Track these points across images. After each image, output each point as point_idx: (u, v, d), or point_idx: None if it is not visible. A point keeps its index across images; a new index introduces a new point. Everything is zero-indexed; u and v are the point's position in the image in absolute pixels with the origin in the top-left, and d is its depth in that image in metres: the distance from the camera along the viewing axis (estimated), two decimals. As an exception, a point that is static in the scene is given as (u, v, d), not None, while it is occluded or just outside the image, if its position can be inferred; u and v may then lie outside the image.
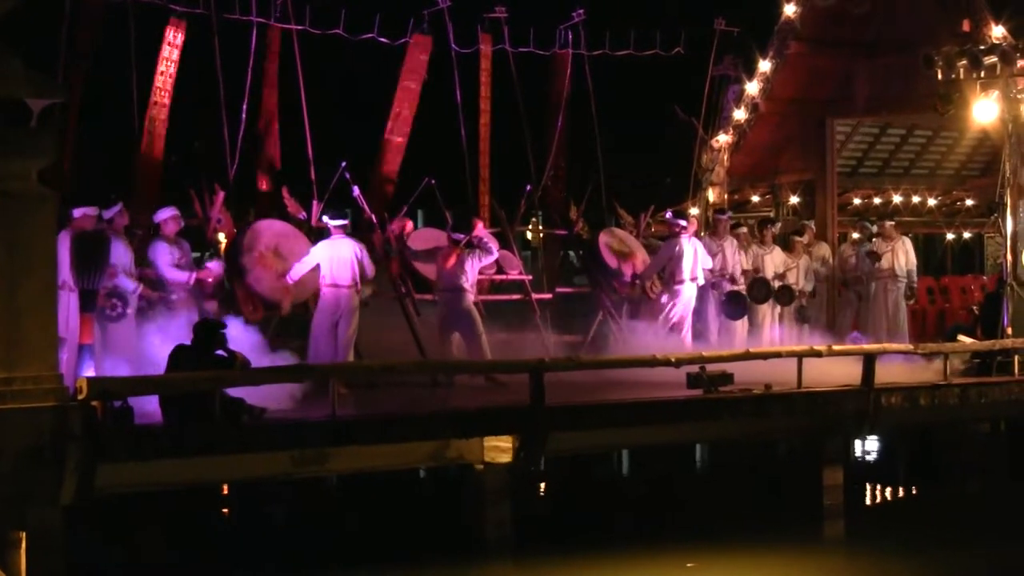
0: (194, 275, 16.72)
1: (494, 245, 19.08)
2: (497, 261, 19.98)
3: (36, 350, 12.23)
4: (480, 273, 18.99)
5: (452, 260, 18.16)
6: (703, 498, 18.56)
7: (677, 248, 19.95)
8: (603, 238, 21.12)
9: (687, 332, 19.97)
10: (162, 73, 18.12)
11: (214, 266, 17.08)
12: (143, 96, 17.93)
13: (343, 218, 17.59)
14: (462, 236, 18.28)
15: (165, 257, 16.64)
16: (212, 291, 16.99)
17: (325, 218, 17.62)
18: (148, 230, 17.17)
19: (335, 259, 17.12)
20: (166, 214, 16.98)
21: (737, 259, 21.26)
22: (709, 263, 20.43)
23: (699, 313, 20.46)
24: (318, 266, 17.19)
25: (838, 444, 17.21)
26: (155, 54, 18.13)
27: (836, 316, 22.86)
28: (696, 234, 20.96)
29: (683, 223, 20.35)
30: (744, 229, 22.15)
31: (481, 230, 18.81)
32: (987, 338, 18.92)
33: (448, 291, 18.16)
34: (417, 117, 20.48)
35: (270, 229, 17.88)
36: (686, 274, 19.90)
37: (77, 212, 15.63)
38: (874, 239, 22.36)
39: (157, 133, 18.03)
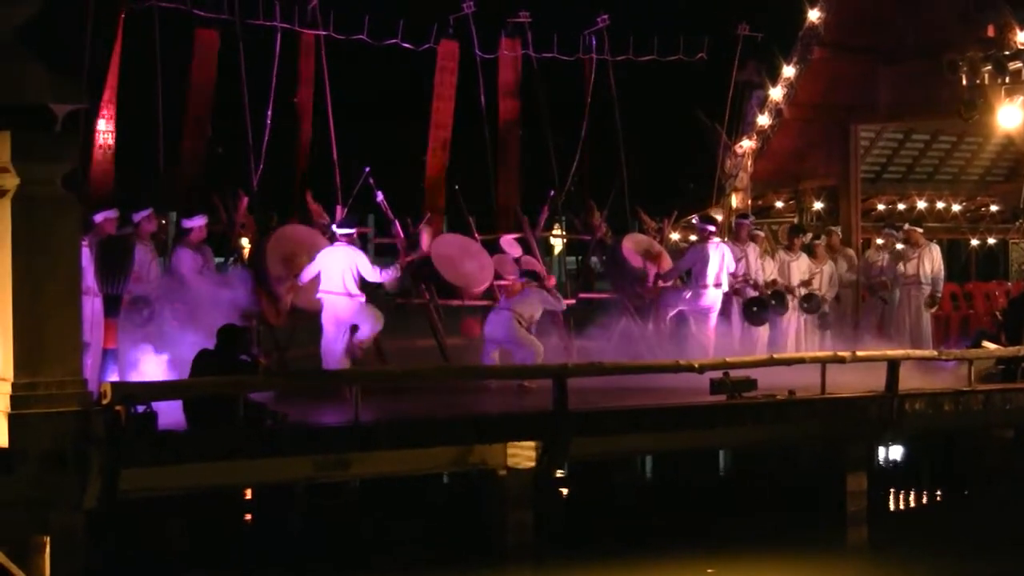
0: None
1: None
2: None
3: (60, 355, 12.27)
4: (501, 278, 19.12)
5: (518, 288, 18.25)
6: (726, 504, 18.51)
7: (704, 252, 19.93)
8: (626, 243, 21.10)
9: (712, 338, 19.92)
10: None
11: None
12: (168, 102, 18.02)
13: (349, 227, 17.59)
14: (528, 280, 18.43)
15: (188, 263, 16.65)
16: None
17: (333, 226, 17.72)
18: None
19: (327, 267, 17.16)
20: (197, 222, 17.01)
21: (759, 265, 21.22)
22: (733, 267, 20.38)
23: (722, 318, 20.41)
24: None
25: (861, 450, 17.16)
26: (178, 60, 18.20)
27: (860, 322, 22.79)
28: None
29: (711, 228, 20.35)
30: (761, 233, 22.09)
31: (552, 283, 18.91)
32: (1011, 344, 18.85)
33: (499, 309, 18.19)
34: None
35: (293, 234, 17.94)
36: (711, 279, 19.86)
37: (98, 217, 15.68)
38: (900, 245, 22.31)
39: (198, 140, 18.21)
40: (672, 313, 20.25)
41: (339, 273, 17.02)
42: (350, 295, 17.07)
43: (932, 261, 22.11)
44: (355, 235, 17.59)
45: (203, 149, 18.40)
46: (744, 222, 21.65)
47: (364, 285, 17.27)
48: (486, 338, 18.42)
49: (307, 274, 17.20)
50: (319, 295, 17.13)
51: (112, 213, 15.82)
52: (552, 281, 19.03)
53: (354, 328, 17.22)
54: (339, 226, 17.59)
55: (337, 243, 17.31)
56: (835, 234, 22.89)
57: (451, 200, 20.40)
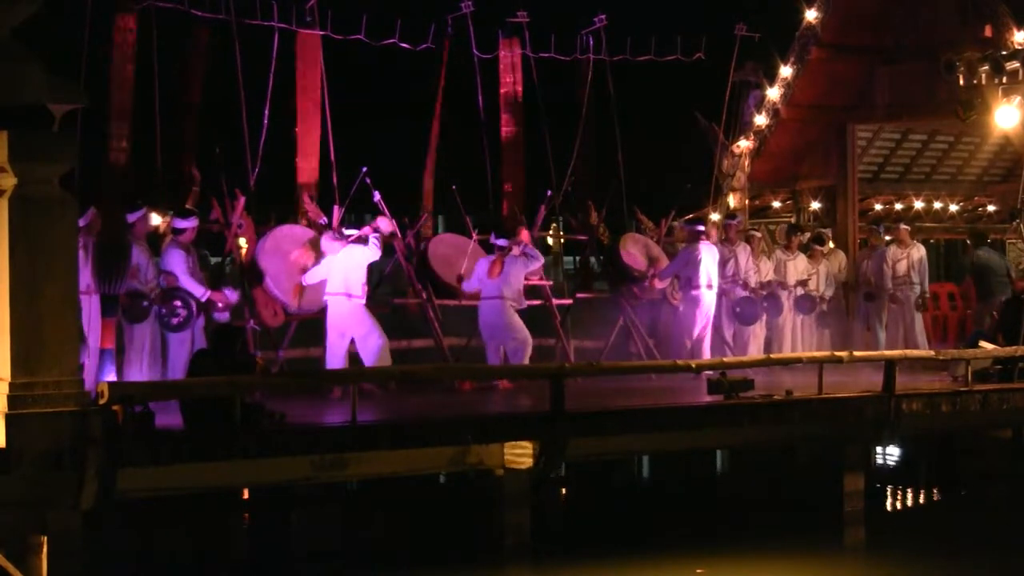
0: (208, 293, 16.60)
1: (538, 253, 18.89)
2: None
3: (57, 355, 12.25)
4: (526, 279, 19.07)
5: (497, 269, 18.10)
6: (723, 504, 18.53)
7: (696, 254, 19.85)
8: (625, 244, 21.10)
9: (706, 340, 19.90)
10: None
11: (230, 293, 17.02)
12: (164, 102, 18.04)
13: (355, 230, 17.64)
14: (506, 242, 18.19)
15: (181, 265, 16.56)
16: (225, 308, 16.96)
17: (343, 229, 17.72)
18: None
19: (333, 269, 17.17)
20: (190, 223, 16.93)
21: (751, 264, 21.19)
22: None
23: (714, 319, 20.38)
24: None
25: (859, 450, 17.16)
26: (175, 59, 18.23)
27: (854, 322, 22.82)
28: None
29: (701, 228, 20.31)
30: (758, 233, 22.08)
31: (526, 237, 18.71)
32: (1009, 344, 18.85)
33: (488, 299, 18.11)
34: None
35: (291, 234, 17.95)
36: (703, 280, 19.78)
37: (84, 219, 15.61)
38: (889, 245, 22.34)
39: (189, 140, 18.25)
40: (697, 331, 20.01)
41: (342, 273, 17.03)
42: (349, 296, 17.05)
43: (919, 261, 22.14)
44: (359, 236, 17.64)
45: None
46: (732, 223, 21.66)
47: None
48: (484, 332, 18.39)
49: (312, 277, 17.23)
50: (324, 297, 17.16)
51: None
52: (525, 234, 18.79)
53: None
54: (345, 229, 17.65)
55: (344, 246, 17.32)
56: (824, 240, 22.78)
57: (451, 200, 20.38)
